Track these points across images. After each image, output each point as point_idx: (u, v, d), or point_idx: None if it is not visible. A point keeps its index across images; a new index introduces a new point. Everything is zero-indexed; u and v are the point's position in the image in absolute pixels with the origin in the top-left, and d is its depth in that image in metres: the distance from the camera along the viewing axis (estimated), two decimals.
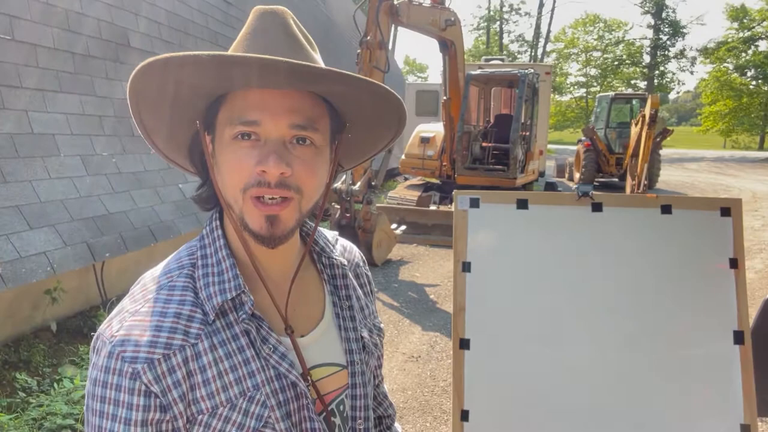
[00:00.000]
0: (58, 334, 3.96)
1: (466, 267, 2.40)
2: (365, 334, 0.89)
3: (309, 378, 0.78)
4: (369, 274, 1.01)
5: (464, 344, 2.14)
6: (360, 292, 0.93)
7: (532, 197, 2.40)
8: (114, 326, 0.70)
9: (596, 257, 2.32)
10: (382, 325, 1.00)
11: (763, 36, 30.48)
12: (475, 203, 2.41)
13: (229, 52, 0.71)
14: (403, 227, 7.73)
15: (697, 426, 2.20)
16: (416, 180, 10.62)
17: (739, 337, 2.24)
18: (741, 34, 31.36)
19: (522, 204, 2.39)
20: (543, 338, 2.24)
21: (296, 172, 0.71)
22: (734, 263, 2.29)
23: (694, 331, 2.26)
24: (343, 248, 0.97)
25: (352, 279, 0.92)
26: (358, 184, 5.91)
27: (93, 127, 4.14)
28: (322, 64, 0.75)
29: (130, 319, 0.70)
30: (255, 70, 0.66)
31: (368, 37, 5.82)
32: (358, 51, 5.81)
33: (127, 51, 4.54)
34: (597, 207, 2.36)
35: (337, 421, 0.83)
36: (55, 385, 3.33)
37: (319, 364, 0.82)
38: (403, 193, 9.72)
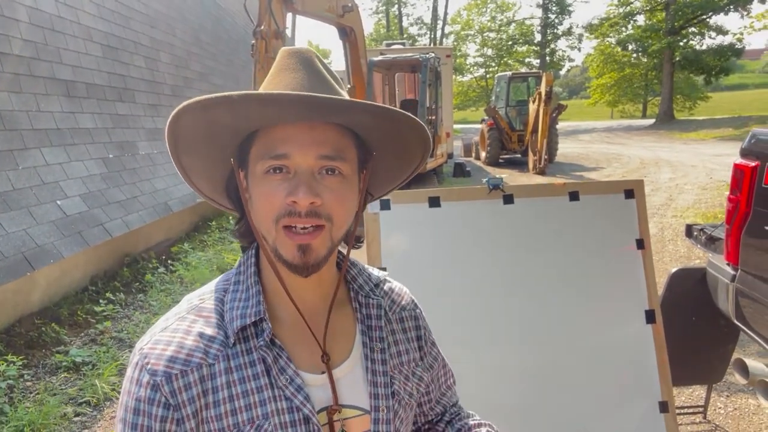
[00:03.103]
0: None
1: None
2: (398, 380, 0.86)
3: (338, 414, 0.77)
4: (422, 319, 0.96)
5: None
6: (400, 336, 0.90)
7: (444, 194, 2.32)
8: (144, 340, 0.74)
9: (510, 249, 2.28)
10: (447, 365, 1.02)
11: (640, 11, 32.79)
12: (385, 205, 2.29)
13: (260, 90, 0.73)
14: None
15: (618, 407, 2.24)
16: None
17: (650, 317, 2.29)
18: (621, 10, 33.52)
19: (434, 202, 2.31)
20: (462, 338, 2.18)
21: (326, 201, 0.72)
22: (641, 244, 2.35)
23: (609, 314, 2.29)
24: (390, 290, 0.94)
25: (389, 322, 0.89)
26: None
27: None
28: (346, 97, 0.77)
29: (159, 334, 0.74)
30: (284, 105, 0.69)
31: (262, 27, 5.50)
32: (252, 42, 5.48)
33: None
34: (508, 199, 2.32)
35: None
36: None
37: (339, 405, 0.79)
38: None
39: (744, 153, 2.24)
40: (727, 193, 2.32)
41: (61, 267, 3.84)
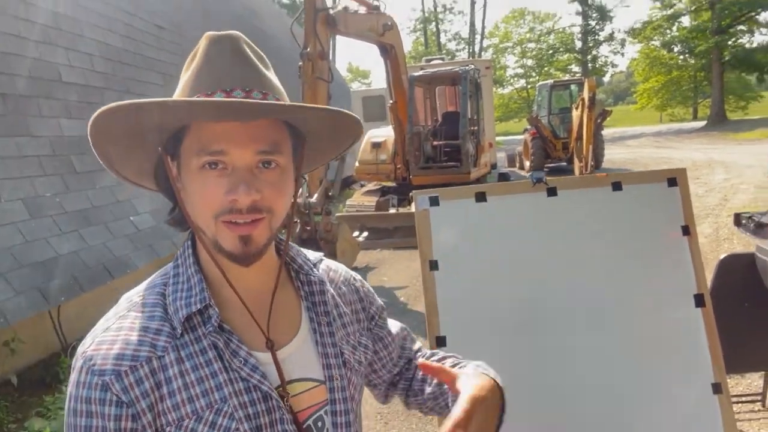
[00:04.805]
0: (20, 386, 3.78)
1: (434, 265, 2.43)
2: (347, 350, 0.89)
3: (286, 394, 0.78)
4: (364, 290, 1.00)
5: (440, 342, 2.15)
6: (344, 309, 0.93)
7: (490, 189, 2.44)
8: (86, 343, 0.73)
9: (556, 240, 2.38)
10: (398, 329, 1.05)
11: (684, 12, 31.98)
12: (434, 201, 2.44)
13: (187, 81, 0.75)
14: (365, 234, 7.72)
15: (671, 390, 2.28)
16: (372, 185, 10.61)
17: (699, 300, 2.34)
18: (664, 13, 32.78)
19: (480, 197, 2.44)
20: (516, 326, 2.28)
21: (266, 195, 0.74)
22: (686, 230, 2.40)
23: (658, 300, 2.34)
24: (327, 268, 0.97)
25: (332, 296, 0.91)
26: (315, 196, 5.87)
27: (32, 169, 3.97)
28: (276, 81, 0.79)
29: (101, 335, 0.73)
30: (222, 110, 0.70)
31: (308, 49, 5.79)
32: (300, 64, 5.77)
33: (59, 86, 4.38)
34: (552, 191, 2.43)
35: None
36: None
37: (294, 379, 0.81)
38: (360, 199, 9.71)
39: None
40: None
41: (136, 277, 4.17)
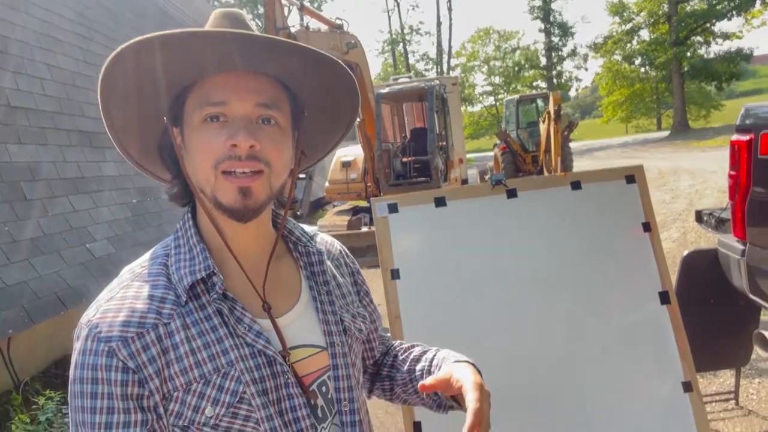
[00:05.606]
0: None
1: (395, 274, 2.36)
2: (347, 318, 0.90)
3: (288, 357, 0.79)
4: (355, 266, 1.03)
5: None
6: (341, 280, 0.95)
7: (449, 194, 2.39)
8: (90, 312, 0.73)
9: (519, 242, 2.33)
10: (376, 310, 1.07)
11: (643, 25, 33.05)
12: (393, 208, 2.38)
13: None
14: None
15: (642, 390, 2.23)
16: (345, 206, 10.56)
17: (665, 298, 2.30)
18: (623, 27, 33.84)
19: (440, 202, 2.39)
20: (482, 331, 2.21)
21: (264, 146, 0.75)
22: (647, 227, 2.38)
23: (623, 299, 2.30)
24: (324, 240, 1.00)
25: (330, 267, 0.94)
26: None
27: None
28: None
29: (105, 304, 0.73)
30: (221, 46, 0.71)
31: None
32: None
33: (7, 111, 4.24)
34: (512, 193, 2.39)
35: (320, 402, 0.83)
36: None
37: (297, 345, 0.82)
38: (332, 219, 9.62)
39: (738, 129, 2.29)
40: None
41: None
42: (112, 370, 0.69)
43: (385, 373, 1.06)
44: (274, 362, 0.77)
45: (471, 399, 0.76)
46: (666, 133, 31.63)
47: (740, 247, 2.34)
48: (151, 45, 0.70)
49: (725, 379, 3.11)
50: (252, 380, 0.75)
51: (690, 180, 12.33)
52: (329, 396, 0.84)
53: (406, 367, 1.00)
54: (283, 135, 0.79)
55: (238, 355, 0.75)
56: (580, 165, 18.36)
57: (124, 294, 0.75)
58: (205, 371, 0.73)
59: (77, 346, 0.72)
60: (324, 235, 1.02)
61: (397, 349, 1.08)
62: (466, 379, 0.80)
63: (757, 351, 2.38)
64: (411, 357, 1.02)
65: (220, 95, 0.74)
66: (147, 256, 0.82)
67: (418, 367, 0.97)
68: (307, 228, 0.96)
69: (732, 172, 2.30)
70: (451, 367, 0.85)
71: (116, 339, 0.70)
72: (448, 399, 0.92)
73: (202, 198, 0.78)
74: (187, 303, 0.75)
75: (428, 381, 0.82)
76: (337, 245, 1.03)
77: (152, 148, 0.84)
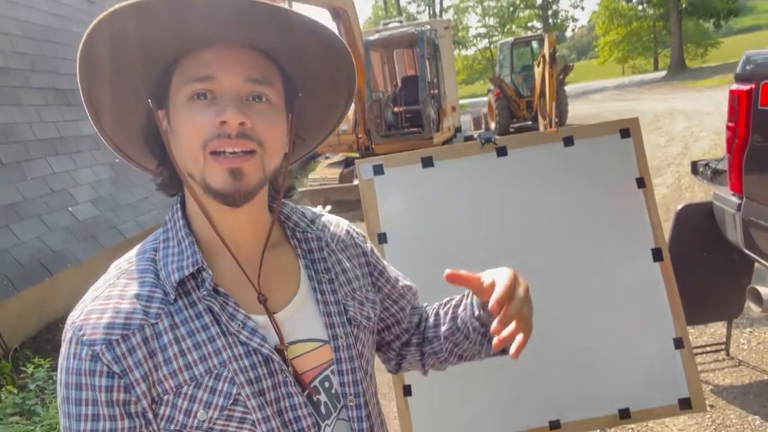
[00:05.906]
0: None
1: (382, 238, 2.29)
2: (352, 307, 0.85)
3: (286, 354, 0.75)
4: (366, 245, 0.96)
5: None
6: (347, 265, 0.89)
7: (437, 153, 2.30)
8: (75, 314, 0.70)
9: (510, 201, 2.26)
10: (407, 285, 1.02)
11: None
12: (379, 170, 2.29)
13: None
14: (329, 207, 7.55)
15: (634, 346, 2.22)
16: (337, 157, 10.41)
17: (657, 255, 2.26)
18: None
19: (427, 162, 2.30)
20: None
21: (256, 124, 0.70)
22: (641, 182, 2.30)
23: (616, 256, 2.26)
24: (328, 222, 0.93)
25: (333, 252, 0.88)
26: None
27: None
28: None
29: (90, 305, 0.70)
30: (208, 11, 0.65)
31: None
32: None
33: None
34: (502, 151, 2.29)
35: (323, 398, 0.80)
36: None
37: (296, 340, 0.78)
38: (323, 173, 9.50)
39: (738, 78, 2.19)
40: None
41: (80, 271, 3.94)
42: (96, 376, 0.66)
43: (431, 334, 1.01)
44: (270, 360, 0.74)
45: (499, 286, 0.75)
46: (663, 73, 31.08)
47: (736, 201, 2.28)
48: (134, 10, 0.64)
49: (716, 329, 3.12)
50: (247, 381, 0.71)
51: (685, 122, 12.19)
52: (333, 391, 0.81)
53: (449, 317, 0.96)
54: (277, 113, 0.74)
55: (231, 354, 0.71)
56: (575, 108, 18.11)
57: (109, 293, 0.71)
58: (196, 373, 0.70)
59: (62, 349, 0.70)
60: (329, 216, 0.96)
61: (436, 308, 1.03)
62: (499, 275, 0.78)
63: (750, 306, 2.36)
64: (453, 303, 0.98)
65: (206, 69, 0.70)
66: (135, 250, 0.78)
67: (461, 308, 0.94)
68: (307, 211, 0.91)
69: (730, 124, 2.21)
70: (485, 272, 0.82)
71: (100, 342, 0.66)
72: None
73: (191, 183, 0.74)
74: (177, 300, 0.72)
75: (454, 272, 0.79)
76: (344, 225, 0.96)
77: (136, 138, 0.79)
